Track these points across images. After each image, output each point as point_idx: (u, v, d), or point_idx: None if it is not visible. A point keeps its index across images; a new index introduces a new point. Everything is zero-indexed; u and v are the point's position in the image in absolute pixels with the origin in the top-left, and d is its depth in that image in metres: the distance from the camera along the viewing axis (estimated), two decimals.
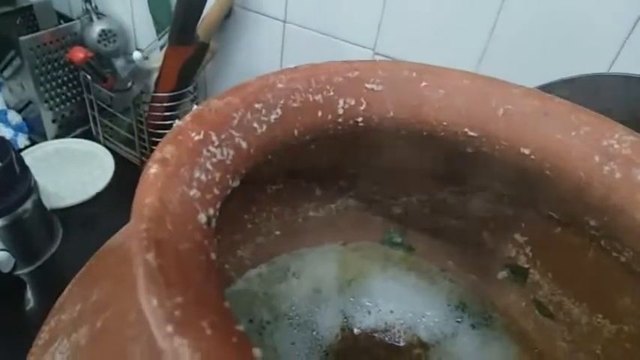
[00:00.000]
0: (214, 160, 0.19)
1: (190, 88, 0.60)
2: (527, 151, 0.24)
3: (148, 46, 0.57)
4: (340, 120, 0.24)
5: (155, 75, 0.56)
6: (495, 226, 0.33)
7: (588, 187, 0.22)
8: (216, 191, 0.18)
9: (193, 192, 0.17)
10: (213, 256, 0.16)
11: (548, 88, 0.39)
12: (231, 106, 0.21)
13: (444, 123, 0.25)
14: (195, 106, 0.20)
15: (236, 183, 0.20)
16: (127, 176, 0.65)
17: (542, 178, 0.24)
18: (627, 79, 0.35)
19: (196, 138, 0.19)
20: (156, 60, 0.56)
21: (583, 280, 0.30)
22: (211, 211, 0.17)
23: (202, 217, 0.17)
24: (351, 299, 0.31)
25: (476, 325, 0.31)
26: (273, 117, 0.22)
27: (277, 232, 0.32)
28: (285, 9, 0.56)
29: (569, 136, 0.23)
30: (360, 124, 0.25)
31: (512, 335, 0.31)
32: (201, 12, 0.52)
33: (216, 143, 0.19)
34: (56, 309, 0.22)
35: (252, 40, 0.60)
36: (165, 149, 0.17)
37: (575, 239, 0.28)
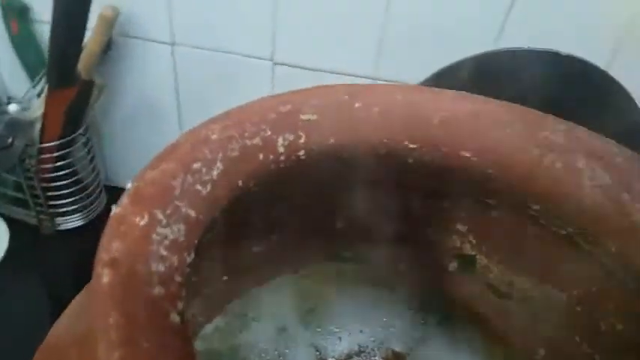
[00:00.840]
0: (167, 242, 0.17)
1: (81, 131, 0.54)
2: (467, 154, 0.24)
3: (24, 95, 0.51)
4: (282, 158, 0.23)
5: (38, 125, 0.50)
6: (437, 221, 0.33)
7: (532, 180, 0.23)
8: (178, 278, 0.16)
9: (157, 290, 0.15)
10: (194, 349, 0.14)
11: (439, 75, 0.41)
12: (168, 173, 0.18)
13: (384, 140, 0.24)
14: (128, 184, 0.18)
15: (191, 258, 0.18)
16: (24, 240, 0.58)
17: (484, 176, 0.25)
18: (542, 53, 0.37)
19: (142, 223, 0.16)
20: (36, 109, 0.50)
21: (527, 256, 0.31)
22: (180, 305, 0.15)
23: (175, 317, 0.15)
24: (318, 329, 0.30)
25: (441, 322, 0.32)
26: (215, 173, 0.20)
27: (224, 278, 0.30)
28: (171, 31, 0.53)
29: (504, 134, 0.23)
30: (302, 157, 0.23)
31: (475, 323, 0.32)
32: (79, 48, 0.47)
33: (164, 222, 0.17)
34: None
35: (141, 68, 0.55)
36: (111, 247, 0.15)
37: (515, 220, 0.29)
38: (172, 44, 0.54)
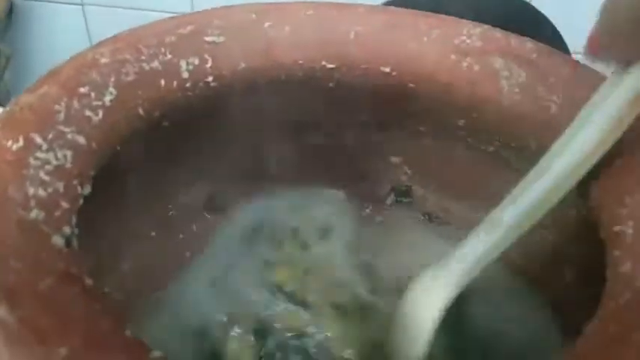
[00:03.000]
0: (49, 167, 0.15)
1: None
2: (387, 69, 0.23)
3: None
4: (188, 85, 0.21)
5: None
6: (369, 156, 0.33)
7: (452, 88, 0.22)
8: (64, 204, 0.14)
9: (34, 213, 0.13)
10: (89, 282, 0.13)
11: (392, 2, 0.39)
12: (49, 98, 0.16)
13: (300, 61, 0.23)
14: None
15: (87, 189, 0.16)
16: None
17: (406, 92, 0.24)
18: None
19: (15, 147, 0.14)
20: None
21: (459, 180, 0.31)
22: (67, 230, 0.14)
23: (58, 240, 0.13)
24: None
25: None
26: (107, 99, 0.18)
27: (152, 234, 0.28)
28: None
29: (422, 43, 0.23)
30: (212, 84, 0.22)
31: None
32: None
33: (45, 147, 0.15)
34: None
35: (51, 32, 0.51)
36: None
37: (445, 145, 0.29)
38: (82, 4, 0.50)
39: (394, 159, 0.33)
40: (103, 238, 0.22)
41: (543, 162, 0.17)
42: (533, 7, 0.42)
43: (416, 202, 0.33)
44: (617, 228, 0.15)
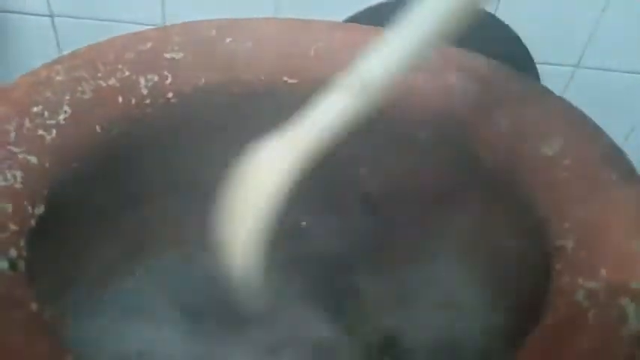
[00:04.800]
0: None
1: None
2: None
3: None
4: (147, 101, 0.21)
5: None
6: (337, 168, 0.33)
7: (410, 104, 0.23)
8: (13, 226, 0.14)
9: None
10: (33, 307, 0.13)
11: (354, 19, 0.40)
12: None
13: (261, 77, 0.23)
14: None
15: (40, 209, 0.16)
16: None
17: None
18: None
19: None
20: None
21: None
22: (14, 252, 0.14)
23: (2, 264, 0.13)
24: None
25: None
26: (61, 117, 0.18)
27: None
28: (48, 1, 0.48)
29: None
30: (172, 101, 0.22)
31: None
32: None
33: None
34: None
35: (19, 45, 0.51)
36: None
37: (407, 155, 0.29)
38: (51, 16, 0.49)
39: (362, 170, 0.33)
40: (60, 258, 0.22)
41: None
42: (497, 19, 0.43)
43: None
44: (559, 242, 0.15)
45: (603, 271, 0.13)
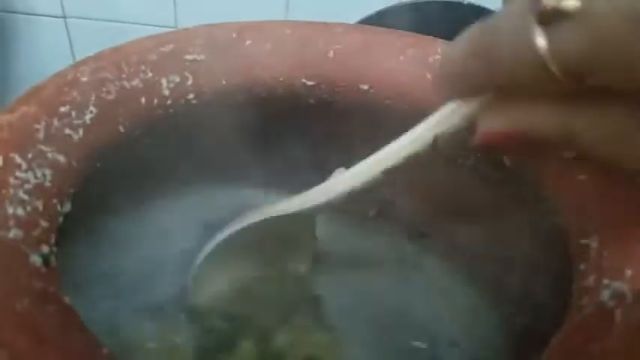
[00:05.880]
0: (28, 186, 0.15)
1: None
2: (365, 87, 0.24)
3: None
4: (169, 102, 0.21)
5: None
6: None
7: (428, 104, 0.23)
8: (44, 223, 0.15)
9: (13, 233, 0.13)
10: (67, 300, 0.13)
11: (366, 22, 0.40)
12: (28, 117, 0.16)
13: (280, 79, 0.23)
14: None
15: (67, 207, 0.16)
16: None
17: (383, 108, 0.25)
18: (446, 3, 0.37)
19: None
20: None
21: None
22: (46, 249, 0.14)
23: (36, 260, 0.13)
24: None
25: None
26: (88, 117, 0.18)
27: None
28: (62, 3, 0.49)
29: (398, 61, 0.23)
30: (193, 102, 0.22)
31: None
32: None
33: (24, 166, 0.15)
34: None
35: (33, 47, 0.51)
36: None
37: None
38: (64, 17, 0.50)
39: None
40: (84, 253, 0.22)
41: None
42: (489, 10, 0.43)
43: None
44: (583, 241, 0.15)
45: (629, 272, 0.13)
